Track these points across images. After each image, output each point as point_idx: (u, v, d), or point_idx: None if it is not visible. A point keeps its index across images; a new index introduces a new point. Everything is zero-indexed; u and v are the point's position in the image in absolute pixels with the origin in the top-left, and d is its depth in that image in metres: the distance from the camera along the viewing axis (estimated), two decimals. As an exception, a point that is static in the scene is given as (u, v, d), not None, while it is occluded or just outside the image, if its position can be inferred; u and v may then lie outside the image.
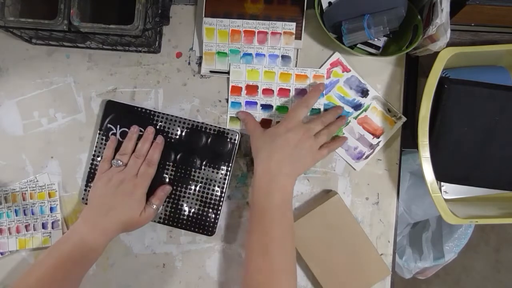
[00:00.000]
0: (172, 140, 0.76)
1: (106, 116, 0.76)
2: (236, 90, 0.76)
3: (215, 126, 0.76)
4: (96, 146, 0.76)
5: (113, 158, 0.73)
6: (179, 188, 0.75)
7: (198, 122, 0.76)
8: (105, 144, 0.75)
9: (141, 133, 0.75)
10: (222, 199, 0.75)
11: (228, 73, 0.77)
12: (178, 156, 0.75)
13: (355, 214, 0.77)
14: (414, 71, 0.80)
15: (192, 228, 0.75)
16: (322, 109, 0.76)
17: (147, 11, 0.65)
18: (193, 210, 0.75)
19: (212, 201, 0.75)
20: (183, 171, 0.75)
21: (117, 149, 0.74)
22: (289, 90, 0.76)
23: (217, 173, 0.75)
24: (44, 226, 0.77)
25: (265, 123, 0.76)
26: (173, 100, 0.78)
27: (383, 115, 0.78)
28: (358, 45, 0.76)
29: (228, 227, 0.78)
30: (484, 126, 0.73)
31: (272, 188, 0.66)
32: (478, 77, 0.73)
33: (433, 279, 1.65)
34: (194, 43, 0.78)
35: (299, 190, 0.78)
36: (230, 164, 0.75)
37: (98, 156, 0.76)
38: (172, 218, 0.76)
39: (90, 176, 0.76)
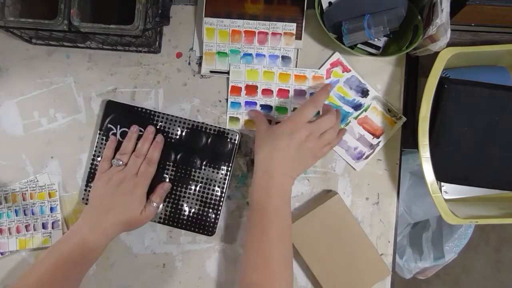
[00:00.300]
0: (172, 140, 0.76)
1: (106, 116, 0.76)
2: (236, 90, 0.76)
3: (215, 126, 0.76)
4: (96, 146, 0.76)
5: (113, 158, 0.73)
6: (179, 188, 0.75)
7: (198, 122, 0.76)
8: (105, 144, 0.75)
9: (141, 133, 0.75)
10: (222, 199, 0.75)
11: (228, 73, 0.77)
12: (178, 156, 0.75)
13: (355, 214, 0.77)
14: (414, 71, 0.80)
15: (192, 228, 0.75)
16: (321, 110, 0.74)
17: (147, 11, 0.65)
18: (193, 210, 0.75)
19: (212, 201, 0.75)
20: (183, 171, 0.75)
21: (117, 149, 0.74)
22: (288, 90, 0.75)
23: (217, 173, 0.75)
24: (44, 226, 0.77)
25: None
26: (173, 100, 0.78)
27: (383, 115, 0.78)
28: (358, 45, 0.76)
29: (228, 227, 0.78)
30: (484, 126, 0.73)
31: (271, 187, 0.66)
32: (478, 77, 0.73)
33: (433, 279, 1.65)
34: (194, 43, 0.78)
35: (299, 190, 0.78)
36: (230, 164, 0.75)
37: (98, 156, 0.76)
38: (172, 218, 0.76)
39: (90, 176, 0.76)
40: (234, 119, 0.77)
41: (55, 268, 0.63)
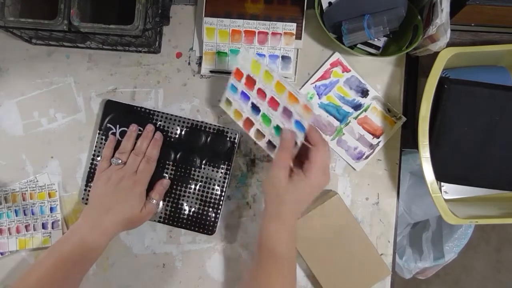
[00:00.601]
0: (172, 139, 0.76)
1: (106, 116, 0.76)
2: (239, 74, 0.70)
3: (215, 125, 0.76)
4: (96, 146, 0.76)
5: (113, 157, 0.73)
6: (179, 187, 0.75)
7: (197, 121, 0.76)
8: (104, 144, 0.75)
9: (140, 132, 0.75)
10: (222, 198, 0.75)
11: (228, 73, 0.77)
12: (178, 155, 0.75)
13: (355, 214, 0.77)
14: (414, 71, 0.80)
15: (192, 228, 0.75)
16: (299, 143, 0.65)
17: (147, 11, 0.65)
18: (193, 209, 0.75)
19: (212, 200, 0.75)
20: (183, 170, 0.75)
21: (116, 148, 0.74)
22: (278, 104, 0.66)
23: (217, 172, 0.75)
24: (44, 226, 0.77)
25: (248, 123, 0.71)
26: (173, 100, 0.78)
27: (383, 115, 0.78)
28: (358, 45, 0.76)
29: (228, 227, 0.78)
30: (484, 126, 0.73)
31: (282, 233, 0.63)
32: (478, 77, 0.73)
33: (433, 279, 1.65)
34: (194, 43, 0.78)
35: (299, 190, 0.78)
36: (230, 163, 0.75)
37: (98, 156, 0.76)
38: (172, 218, 0.76)
39: (90, 176, 0.76)
40: (228, 102, 0.74)
41: (55, 268, 0.63)
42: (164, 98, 0.78)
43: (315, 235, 0.73)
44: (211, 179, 0.75)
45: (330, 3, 0.72)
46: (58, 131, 0.78)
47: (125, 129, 0.75)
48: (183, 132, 0.76)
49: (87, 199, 0.75)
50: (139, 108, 0.76)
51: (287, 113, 0.66)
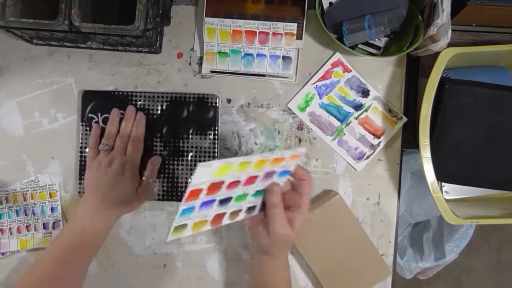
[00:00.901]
0: (155, 116, 0.76)
1: (86, 106, 0.76)
2: (194, 193, 0.51)
3: (194, 94, 0.76)
4: (81, 138, 0.76)
5: (99, 144, 0.73)
6: (171, 162, 0.76)
7: (176, 93, 0.76)
8: (89, 134, 0.75)
9: (122, 115, 0.75)
10: None
11: (228, 73, 0.77)
12: (163, 131, 0.76)
13: (356, 214, 0.77)
14: (415, 71, 0.80)
15: None
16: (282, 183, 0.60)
17: (148, 12, 0.65)
18: (189, 180, 0.76)
19: None
20: (171, 144, 0.76)
21: (102, 136, 0.74)
22: (257, 176, 0.56)
23: (205, 139, 0.76)
24: (45, 226, 0.77)
25: (217, 219, 0.57)
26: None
27: (384, 115, 0.78)
28: (359, 45, 0.76)
29: (229, 227, 0.78)
30: (485, 126, 0.73)
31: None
32: (479, 77, 0.73)
33: (434, 279, 1.65)
34: (195, 43, 0.78)
35: (300, 190, 0.78)
36: (216, 128, 0.76)
37: (85, 148, 0.76)
38: (170, 193, 0.76)
39: (82, 169, 0.76)
40: (180, 227, 0.53)
41: (59, 259, 0.63)
42: (165, 98, 0.78)
43: (316, 235, 0.73)
44: (201, 147, 0.76)
45: (331, 3, 0.72)
46: (59, 131, 0.78)
47: (107, 115, 0.75)
48: (164, 107, 0.76)
49: (83, 192, 0.75)
50: (116, 92, 0.76)
51: (268, 175, 0.58)
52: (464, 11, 0.67)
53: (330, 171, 0.78)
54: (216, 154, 0.76)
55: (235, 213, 0.60)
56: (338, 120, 0.78)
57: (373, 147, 0.77)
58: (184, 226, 0.54)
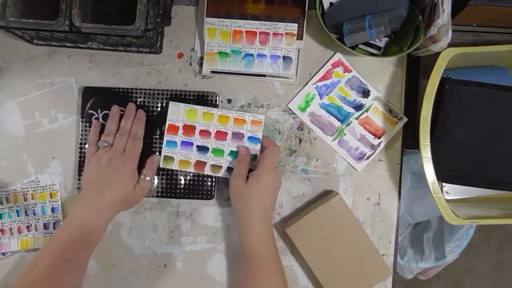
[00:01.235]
0: (155, 114, 0.76)
1: (86, 103, 0.76)
2: (173, 129, 0.74)
3: (194, 91, 0.76)
4: (81, 134, 0.77)
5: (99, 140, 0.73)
6: None
7: (176, 91, 0.76)
8: (89, 131, 0.75)
9: (122, 112, 0.75)
10: None
11: (229, 73, 0.77)
12: (163, 128, 0.75)
13: (357, 214, 0.77)
14: (415, 72, 0.80)
15: (191, 196, 0.76)
16: (258, 154, 0.74)
17: (148, 12, 0.65)
18: (188, 177, 0.76)
19: None
20: None
21: (101, 132, 0.74)
22: (226, 133, 0.74)
23: None
24: (45, 226, 0.77)
25: (199, 165, 0.74)
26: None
27: (385, 116, 0.78)
28: (359, 46, 0.76)
29: (229, 227, 0.78)
30: (485, 127, 0.73)
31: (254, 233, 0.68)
32: (479, 77, 0.73)
33: (435, 279, 1.65)
34: (195, 44, 0.78)
35: (300, 191, 0.78)
36: None
37: (85, 144, 0.76)
38: (169, 190, 0.76)
39: (81, 165, 0.76)
40: (168, 158, 0.75)
41: (58, 256, 0.63)
42: (165, 98, 0.78)
43: (316, 235, 0.73)
44: None
45: (331, 4, 0.72)
46: (59, 131, 0.78)
47: (107, 112, 0.75)
48: (164, 105, 0.76)
49: (82, 188, 0.75)
50: (117, 89, 0.76)
51: (237, 136, 0.74)
52: (464, 11, 0.67)
53: (331, 171, 0.78)
54: None
55: (216, 168, 0.74)
56: (338, 120, 0.78)
57: (373, 147, 0.77)
58: (171, 158, 0.75)
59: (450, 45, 0.68)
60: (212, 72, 0.77)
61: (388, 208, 0.78)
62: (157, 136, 0.76)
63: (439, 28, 0.65)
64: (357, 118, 0.77)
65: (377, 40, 0.74)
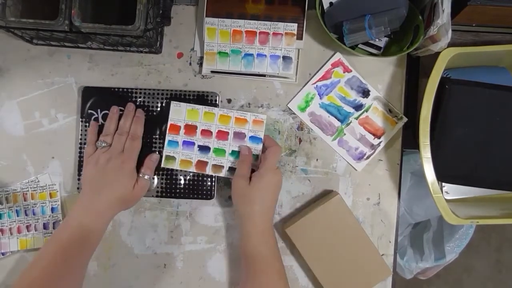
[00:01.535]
0: (155, 113, 0.76)
1: (86, 103, 0.76)
2: (175, 128, 0.74)
3: (194, 91, 0.76)
4: (81, 134, 0.77)
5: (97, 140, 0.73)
6: None
7: (176, 91, 0.76)
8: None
9: (122, 112, 0.75)
10: None
11: (229, 73, 0.77)
12: (163, 128, 0.75)
13: (356, 214, 0.77)
14: (415, 72, 0.80)
15: (191, 196, 0.76)
16: (260, 154, 0.74)
17: (148, 12, 0.65)
18: (188, 177, 0.76)
19: None
20: None
21: (101, 132, 0.74)
22: (227, 133, 0.74)
23: None
24: (45, 226, 0.77)
25: (201, 165, 0.75)
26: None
27: (384, 116, 0.78)
28: (359, 46, 0.76)
29: (229, 227, 0.78)
30: (485, 127, 0.73)
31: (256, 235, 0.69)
32: (479, 77, 0.73)
33: (434, 279, 1.65)
34: (195, 44, 0.78)
35: (300, 191, 0.78)
36: None
37: (85, 144, 0.76)
38: (169, 190, 0.76)
39: (81, 165, 0.76)
40: (170, 157, 0.75)
41: (57, 256, 0.63)
42: (165, 98, 0.78)
43: (316, 235, 0.73)
44: None
45: (331, 3, 0.72)
46: (59, 131, 0.78)
47: (107, 112, 0.75)
48: (163, 104, 0.76)
49: (81, 188, 0.75)
50: (117, 89, 0.76)
51: (239, 136, 0.74)
52: (464, 11, 0.67)
53: (331, 171, 0.78)
54: None
55: (217, 167, 0.75)
56: (338, 120, 0.78)
57: (373, 147, 0.77)
58: (173, 158, 0.75)
59: (450, 45, 0.68)
60: (212, 72, 0.77)
61: (388, 208, 0.78)
62: (157, 136, 0.76)
63: (439, 28, 0.65)
64: (357, 118, 0.77)
65: (377, 40, 0.74)
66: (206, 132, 0.74)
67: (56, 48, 0.78)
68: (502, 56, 0.75)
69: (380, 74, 0.78)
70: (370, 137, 0.77)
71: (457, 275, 1.74)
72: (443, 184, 0.82)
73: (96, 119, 0.76)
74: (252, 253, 0.67)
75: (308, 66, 0.78)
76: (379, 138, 0.77)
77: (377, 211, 0.78)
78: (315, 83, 0.78)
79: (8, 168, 0.78)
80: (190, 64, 0.78)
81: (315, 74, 0.78)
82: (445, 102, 0.71)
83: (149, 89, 0.76)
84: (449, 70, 0.77)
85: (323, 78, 0.78)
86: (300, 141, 0.78)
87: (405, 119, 0.77)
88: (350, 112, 0.78)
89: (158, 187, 0.76)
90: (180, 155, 0.74)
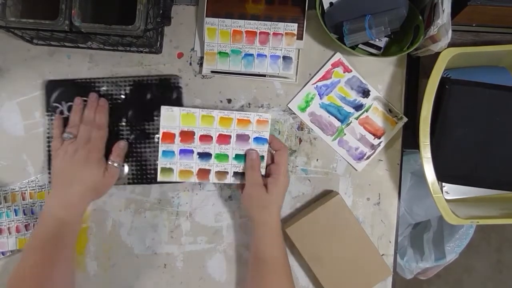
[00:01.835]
0: (119, 101, 0.76)
1: (49, 96, 0.77)
2: (169, 136, 0.68)
3: (156, 76, 0.76)
4: (48, 129, 0.77)
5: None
6: (139, 145, 0.76)
7: (139, 77, 0.76)
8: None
9: (86, 103, 0.75)
10: None
11: (229, 73, 0.77)
12: (128, 115, 0.76)
13: (357, 214, 0.77)
14: (415, 72, 0.80)
15: None
16: (265, 155, 0.71)
17: (148, 12, 0.65)
18: (157, 161, 0.75)
19: None
20: (138, 128, 0.76)
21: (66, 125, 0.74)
22: (229, 136, 0.69)
23: None
24: (45, 226, 0.77)
25: (203, 173, 0.71)
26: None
27: (384, 116, 0.78)
28: (359, 46, 0.76)
29: (229, 227, 0.78)
30: (485, 127, 0.73)
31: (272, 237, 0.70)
32: (479, 77, 0.73)
33: (435, 279, 1.65)
34: (195, 44, 0.78)
35: (300, 191, 0.78)
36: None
37: (52, 138, 0.76)
38: (141, 176, 0.76)
39: (50, 159, 0.76)
40: (166, 170, 0.70)
41: (41, 252, 0.64)
42: (165, 98, 0.78)
43: (316, 235, 0.73)
44: None
45: (331, 4, 0.72)
46: (59, 131, 0.78)
47: (72, 103, 0.75)
48: (127, 91, 0.76)
49: None
50: (79, 80, 0.77)
51: (242, 138, 0.70)
52: (464, 11, 0.67)
53: (331, 171, 0.78)
54: None
55: (221, 174, 0.71)
56: (338, 120, 0.78)
57: (373, 147, 0.77)
58: (170, 170, 0.70)
59: (450, 45, 0.68)
60: (212, 72, 0.77)
61: (388, 208, 0.78)
62: (123, 124, 0.76)
63: (439, 28, 0.65)
64: (357, 118, 0.77)
65: (377, 40, 0.74)
66: (206, 138, 0.69)
67: (56, 48, 0.78)
68: (502, 56, 0.75)
69: (380, 74, 0.78)
70: (370, 137, 0.77)
71: (458, 275, 1.74)
72: (443, 184, 0.82)
73: (62, 112, 0.76)
74: (264, 254, 0.68)
75: (308, 66, 0.78)
76: (379, 138, 0.77)
77: (377, 211, 0.78)
78: (315, 83, 0.78)
79: (8, 168, 0.78)
80: (190, 64, 0.78)
81: (315, 74, 0.78)
82: (445, 102, 0.71)
83: (112, 78, 0.77)
84: (449, 70, 0.77)
85: (323, 78, 0.78)
86: (300, 141, 0.78)
87: (405, 119, 0.77)
88: (350, 112, 0.78)
89: (129, 174, 0.76)
90: (178, 166, 0.70)
